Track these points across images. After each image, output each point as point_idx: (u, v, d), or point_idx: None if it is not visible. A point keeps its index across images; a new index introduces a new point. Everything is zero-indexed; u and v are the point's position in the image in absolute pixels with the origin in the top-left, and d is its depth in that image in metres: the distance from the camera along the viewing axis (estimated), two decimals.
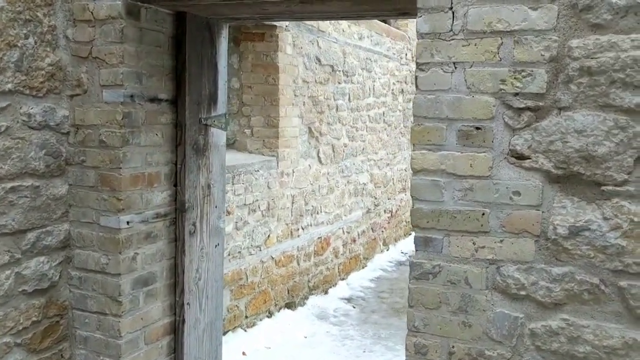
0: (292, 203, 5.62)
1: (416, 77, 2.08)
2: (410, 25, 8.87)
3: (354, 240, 7.18)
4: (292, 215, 5.63)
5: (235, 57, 5.35)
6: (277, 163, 5.32)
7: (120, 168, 2.60)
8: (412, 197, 2.13)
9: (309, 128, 5.89)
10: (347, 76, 6.70)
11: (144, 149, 2.74)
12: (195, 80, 2.94)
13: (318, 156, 6.11)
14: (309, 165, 5.92)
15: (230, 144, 5.41)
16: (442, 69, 2.02)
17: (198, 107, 2.98)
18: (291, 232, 5.64)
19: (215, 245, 3.20)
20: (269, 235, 5.26)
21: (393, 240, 8.63)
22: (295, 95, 5.56)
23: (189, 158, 2.93)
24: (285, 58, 5.36)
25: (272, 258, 5.35)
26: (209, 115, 3.05)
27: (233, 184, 4.66)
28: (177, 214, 2.94)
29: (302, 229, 5.86)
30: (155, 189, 2.82)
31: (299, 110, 5.65)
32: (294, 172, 5.60)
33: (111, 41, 2.58)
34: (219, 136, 3.16)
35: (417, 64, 2.07)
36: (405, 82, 8.76)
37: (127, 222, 2.65)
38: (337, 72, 6.43)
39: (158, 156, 2.83)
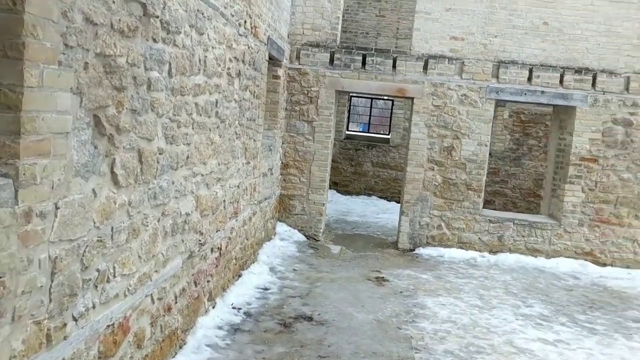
0: (53, 274, 2.65)
1: None
2: None
3: (169, 309, 4.34)
4: (50, 300, 2.65)
5: None
6: (16, 192, 2.33)
7: None
8: None
9: (96, 117, 2.96)
10: (169, 32, 3.86)
11: None
12: None
13: (112, 172, 3.19)
14: (94, 191, 2.99)
15: None
16: None
17: None
18: (48, 337, 2.66)
19: None
20: None
21: (221, 290, 5.92)
22: (67, 44, 2.61)
23: None
24: None
25: None
26: None
27: None
28: None
29: (75, 319, 2.90)
30: None
31: (73, 77, 2.70)
32: (58, 208, 2.64)
33: None
34: None
35: None
36: (244, 62, 6.12)
37: None
38: (153, 20, 3.57)
39: None
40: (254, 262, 7.34)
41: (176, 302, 4.47)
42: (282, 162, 9.35)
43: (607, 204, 9.29)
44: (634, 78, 9.08)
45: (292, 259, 8.07)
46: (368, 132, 17.25)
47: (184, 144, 4.37)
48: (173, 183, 4.19)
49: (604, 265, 9.30)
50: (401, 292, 7.07)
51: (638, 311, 7.26)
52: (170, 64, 3.93)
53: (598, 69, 9.15)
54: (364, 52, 9.38)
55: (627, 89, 9.11)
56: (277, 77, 8.59)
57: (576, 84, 9.12)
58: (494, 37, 9.27)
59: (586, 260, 9.32)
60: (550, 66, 9.18)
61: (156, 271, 3.96)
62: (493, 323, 6.22)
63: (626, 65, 9.14)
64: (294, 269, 7.57)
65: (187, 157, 4.48)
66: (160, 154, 3.87)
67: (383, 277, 7.63)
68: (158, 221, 3.93)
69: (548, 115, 13.52)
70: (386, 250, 9.30)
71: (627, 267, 9.30)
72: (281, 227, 9.22)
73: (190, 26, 4.29)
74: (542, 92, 9.17)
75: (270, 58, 7.90)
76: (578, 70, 9.13)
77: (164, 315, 4.21)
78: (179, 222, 4.39)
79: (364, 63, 9.33)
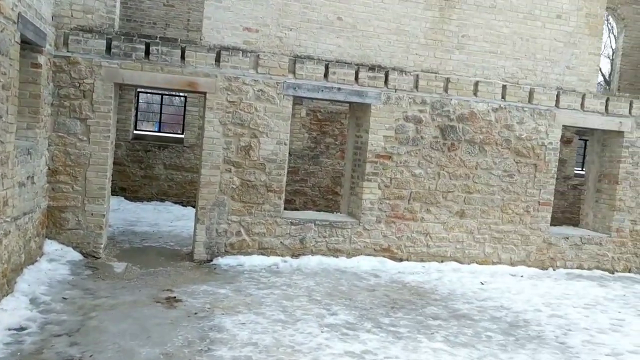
0: None
1: None
2: None
3: None
4: None
5: None
6: None
7: None
8: None
9: None
10: None
11: None
12: None
13: None
14: None
15: None
16: None
17: None
18: None
19: None
20: None
21: None
22: None
23: None
24: None
25: None
26: None
27: None
28: None
29: None
30: None
31: None
32: None
33: None
34: None
35: None
36: None
37: None
38: None
39: None
40: (7, 295, 5.85)
41: None
42: (49, 168, 7.82)
43: (401, 200, 9.40)
44: (422, 76, 9.28)
45: (62, 285, 6.68)
46: (159, 131, 15.93)
47: None
48: None
49: (401, 260, 9.41)
50: (196, 313, 6.17)
51: (435, 307, 7.30)
52: None
53: (390, 67, 9.20)
54: (147, 40, 8.24)
55: (416, 86, 9.28)
56: (37, 65, 7.09)
57: (370, 81, 9.05)
58: (289, 30, 8.80)
59: (384, 256, 9.34)
60: (345, 62, 8.99)
61: None
62: (298, 340, 5.64)
63: (415, 63, 9.32)
64: (64, 298, 6.23)
65: None
66: None
67: (175, 297, 6.65)
68: None
69: (343, 114, 13.63)
70: (180, 264, 8.31)
71: (422, 260, 9.52)
72: (50, 246, 7.70)
73: None
74: (339, 88, 8.94)
75: (25, 42, 6.44)
76: (372, 68, 9.07)
77: None
78: None
79: (147, 52, 8.20)
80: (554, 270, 10.16)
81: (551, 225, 10.51)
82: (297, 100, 13.19)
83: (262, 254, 8.78)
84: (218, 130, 8.53)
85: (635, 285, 9.76)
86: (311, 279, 7.99)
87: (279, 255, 8.84)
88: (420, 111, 9.35)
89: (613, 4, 14.80)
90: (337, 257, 9.07)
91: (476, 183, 9.72)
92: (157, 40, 8.30)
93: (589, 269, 10.42)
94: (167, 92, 13.86)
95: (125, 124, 13.09)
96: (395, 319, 6.65)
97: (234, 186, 8.64)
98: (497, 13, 9.59)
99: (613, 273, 10.47)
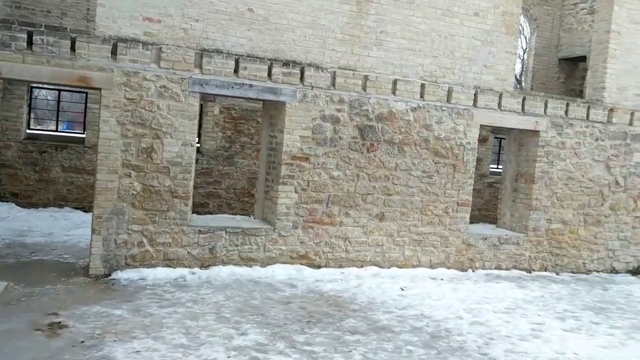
0: None
1: None
2: None
3: None
4: None
5: None
6: None
7: None
8: None
9: None
10: None
11: None
12: None
13: None
14: None
15: None
16: None
17: None
18: None
19: None
20: None
21: None
22: None
23: None
24: None
25: None
26: None
27: None
28: None
29: None
30: None
31: None
32: None
33: None
34: None
35: None
36: None
37: None
38: None
39: None
40: None
41: None
42: None
43: (319, 204, 8.90)
44: (339, 73, 8.81)
45: None
46: (63, 130, 14.67)
47: None
48: None
49: (319, 267, 8.93)
50: (82, 341, 5.37)
51: (354, 319, 6.85)
52: None
53: (305, 63, 8.66)
54: (29, 29, 7.27)
55: (333, 84, 8.80)
56: None
57: (285, 78, 8.48)
58: (195, 21, 8.06)
59: (302, 264, 8.82)
60: (257, 57, 8.36)
61: None
62: None
63: (332, 60, 8.83)
64: None
65: None
66: None
67: (60, 323, 5.80)
68: None
69: (260, 112, 12.98)
70: (73, 280, 7.41)
71: (340, 266, 9.08)
72: None
73: None
74: (251, 85, 8.31)
75: None
76: (286, 63, 8.50)
77: None
78: None
79: (30, 43, 7.24)
80: (473, 271, 10.01)
81: (468, 223, 10.37)
82: (210, 98, 12.46)
83: (168, 265, 8.02)
84: (115, 131, 7.69)
85: (551, 284, 9.76)
86: (221, 293, 7.33)
87: (186, 267, 8.11)
88: (338, 110, 8.88)
89: (526, 5, 15.01)
90: (250, 266, 8.45)
91: (395, 185, 9.38)
92: (42, 29, 7.34)
93: (507, 269, 10.36)
94: (63, 88, 12.68)
95: (16, 122, 11.85)
96: (311, 335, 6.13)
97: (135, 192, 7.82)
98: (415, 9, 9.27)
99: (530, 272, 10.48)
